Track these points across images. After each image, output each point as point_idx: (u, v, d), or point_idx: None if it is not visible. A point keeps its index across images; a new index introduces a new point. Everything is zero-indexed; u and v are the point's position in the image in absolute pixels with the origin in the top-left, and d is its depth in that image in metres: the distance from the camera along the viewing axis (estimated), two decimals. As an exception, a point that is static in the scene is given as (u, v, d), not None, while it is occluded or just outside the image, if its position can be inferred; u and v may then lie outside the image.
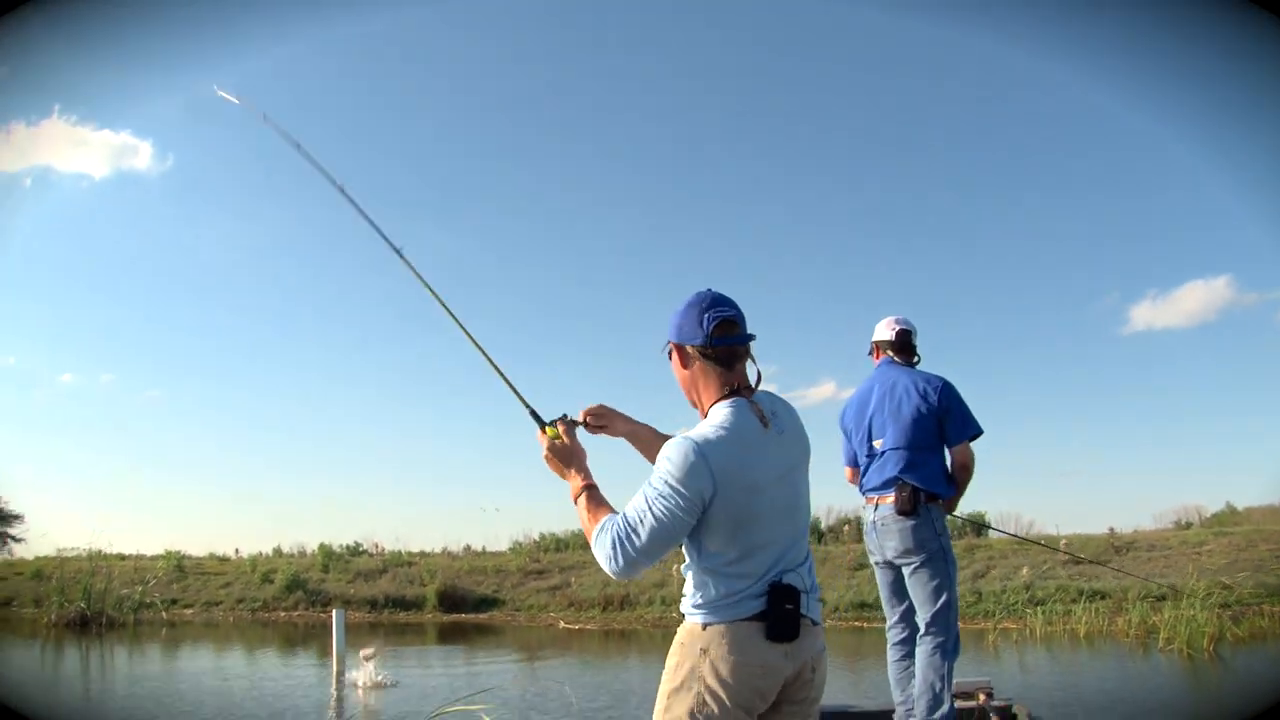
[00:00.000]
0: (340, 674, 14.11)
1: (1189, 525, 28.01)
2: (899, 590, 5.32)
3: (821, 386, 35.78)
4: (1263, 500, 27.50)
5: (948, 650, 5.05)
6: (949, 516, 5.38)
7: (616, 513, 2.73)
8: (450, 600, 27.16)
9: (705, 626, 2.70)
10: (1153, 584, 19.24)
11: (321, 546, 33.29)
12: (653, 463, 3.14)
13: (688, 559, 2.77)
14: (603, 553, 2.67)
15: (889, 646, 5.42)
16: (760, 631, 2.67)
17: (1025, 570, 21.60)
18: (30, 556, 38.13)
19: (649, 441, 3.18)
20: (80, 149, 38.99)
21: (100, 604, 26.25)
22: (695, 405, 2.91)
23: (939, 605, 5.08)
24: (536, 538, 34.87)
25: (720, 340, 2.81)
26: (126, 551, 35.87)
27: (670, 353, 2.93)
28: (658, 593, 24.79)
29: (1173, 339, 34.52)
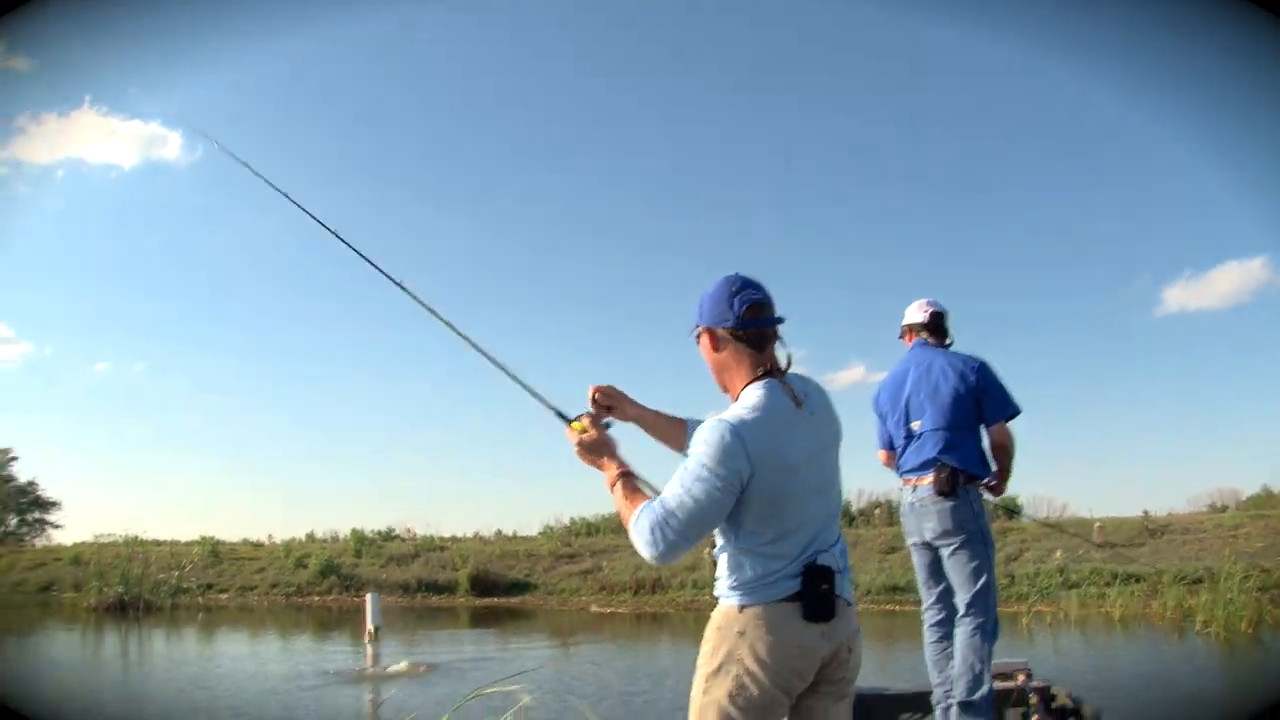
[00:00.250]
0: (376, 656, 14.22)
1: (1224, 508, 27.79)
2: (936, 572, 5.30)
3: (850, 370, 35.72)
4: (1300, 483, 27.23)
5: (987, 631, 5.03)
6: (999, 499, 5.36)
7: (653, 498, 2.73)
8: (482, 584, 27.29)
9: (742, 608, 2.69)
10: (1188, 567, 19.11)
11: (354, 532, 33.53)
12: (667, 445, 3.18)
13: (721, 541, 2.76)
14: (642, 538, 2.65)
15: (926, 628, 5.39)
16: (797, 612, 2.67)
17: (1059, 553, 21.46)
18: (68, 542, 38.77)
19: (657, 426, 3.19)
20: (110, 139, 39.44)
21: (138, 589, 26.57)
22: (725, 389, 2.91)
23: (978, 587, 5.06)
24: (567, 522, 34.99)
25: (751, 323, 2.81)
26: (162, 538, 36.28)
27: (698, 336, 2.92)
28: (689, 576, 24.81)
29: (1207, 321, 34.23)
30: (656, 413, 3.20)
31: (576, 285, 47.75)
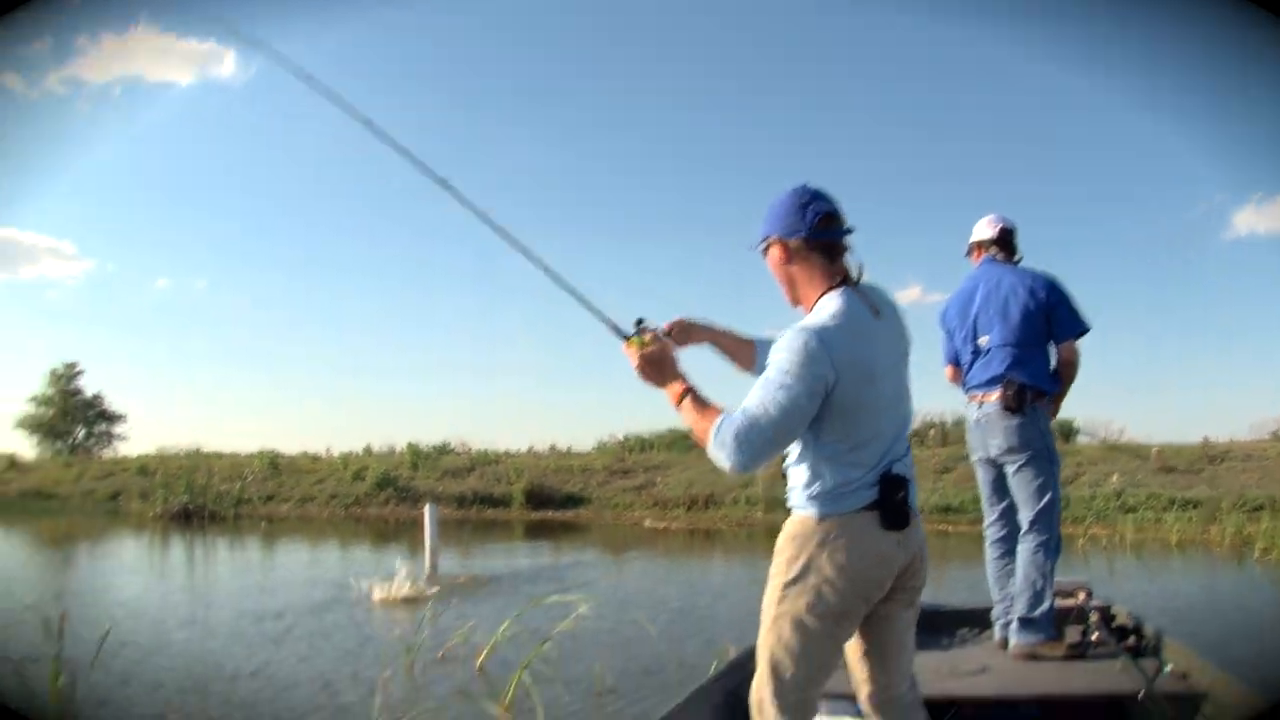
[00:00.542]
0: (434, 566, 14.46)
1: (1288, 436, 27.27)
2: (1000, 488, 5.25)
3: (908, 290, 35.29)
4: (1367, 411, 26.67)
5: (1050, 549, 4.99)
6: (1070, 413, 5.31)
7: (725, 410, 2.70)
8: (537, 498, 27.62)
9: (821, 519, 2.68)
10: (1249, 494, 18.89)
11: (410, 445, 33.94)
12: (736, 365, 3.15)
13: (798, 451, 2.73)
14: (723, 450, 2.60)
15: (987, 545, 5.36)
16: (875, 521, 2.66)
17: (1115, 477, 21.29)
18: (134, 454, 39.69)
19: (727, 346, 3.17)
20: (166, 57, 39.53)
21: (202, 499, 27.24)
22: (795, 302, 2.86)
23: (1043, 504, 5.01)
24: (621, 437, 35.20)
25: (824, 233, 2.77)
26: (223, 450, 37.01)
27: (766, 249, 2.88)
28: (743, 493, 24.94)
29: (1277, 245, 33.27)
30: (726, 332, 3.18)
31: (639, 204, 47.54)
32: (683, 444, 33.67)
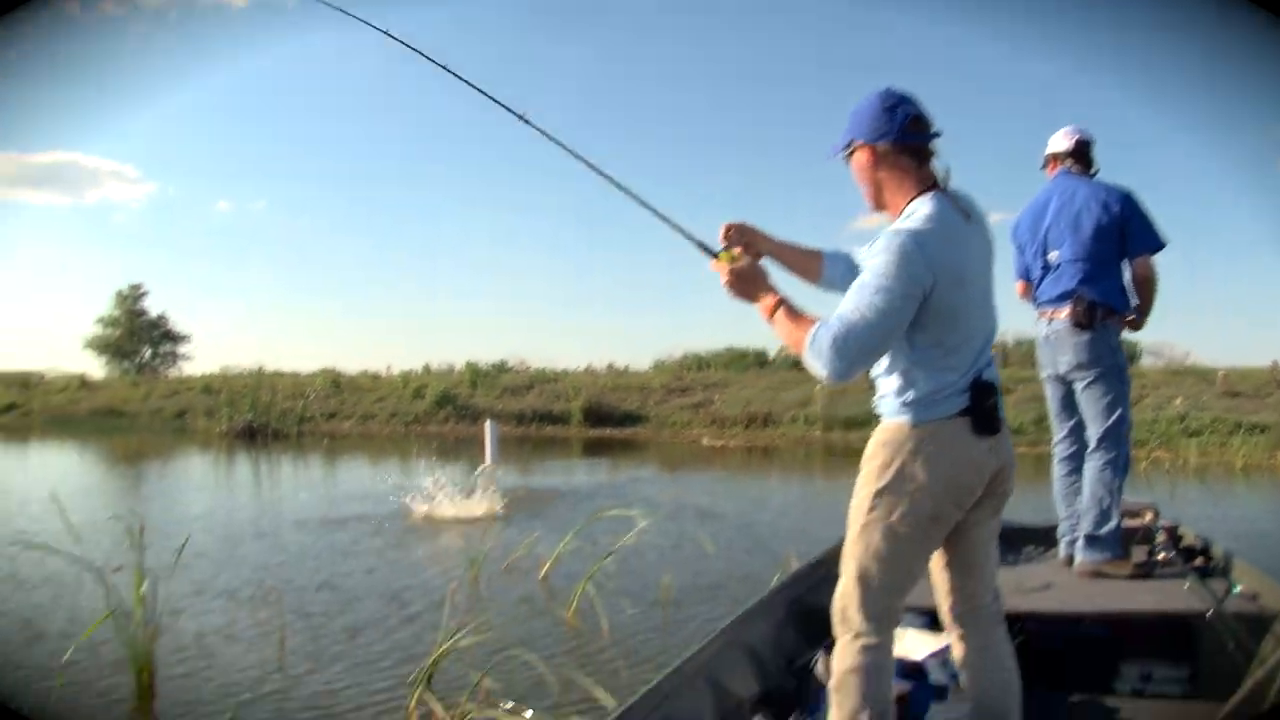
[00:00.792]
0: (495, 481, 14.62)
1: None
2: (1069, 405, 5.17)
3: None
4: None
5: (1118, 466, 4.92)
6: (1136, 334, 5.19)
7: (819, 320, 2.67)
8: (595, 416, 27.83)
9: (915, 425, 2.66)
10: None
11: (469, 364, 34.28)
12: (804, 279, 3.09)
13: (890, 358, 2.69)
14: (819, 358, 2.55)
15: (1055, 462, 5.30)
16: (967, 427, 2.64)
17: (1179, 400, 20.98)
18: (198, 373, 40.49)
19: (793, 259, 3.09)
20: (221, -28, 39.36)
21: (265, 417, 27.74)
22: (881, 208, 2.80)
23: (1111, 421, 4.93)
24: (679, 356, 35.27)
25: (913, 136, 2.70)
26: (285, 370, 37.63)
27: (850, 154, 2.81)
28: (801, 411, 24.95)
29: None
30: (791, 245, 3.10)
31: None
32: (740, 362, 33.72)
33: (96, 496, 13.75)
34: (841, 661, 2.74)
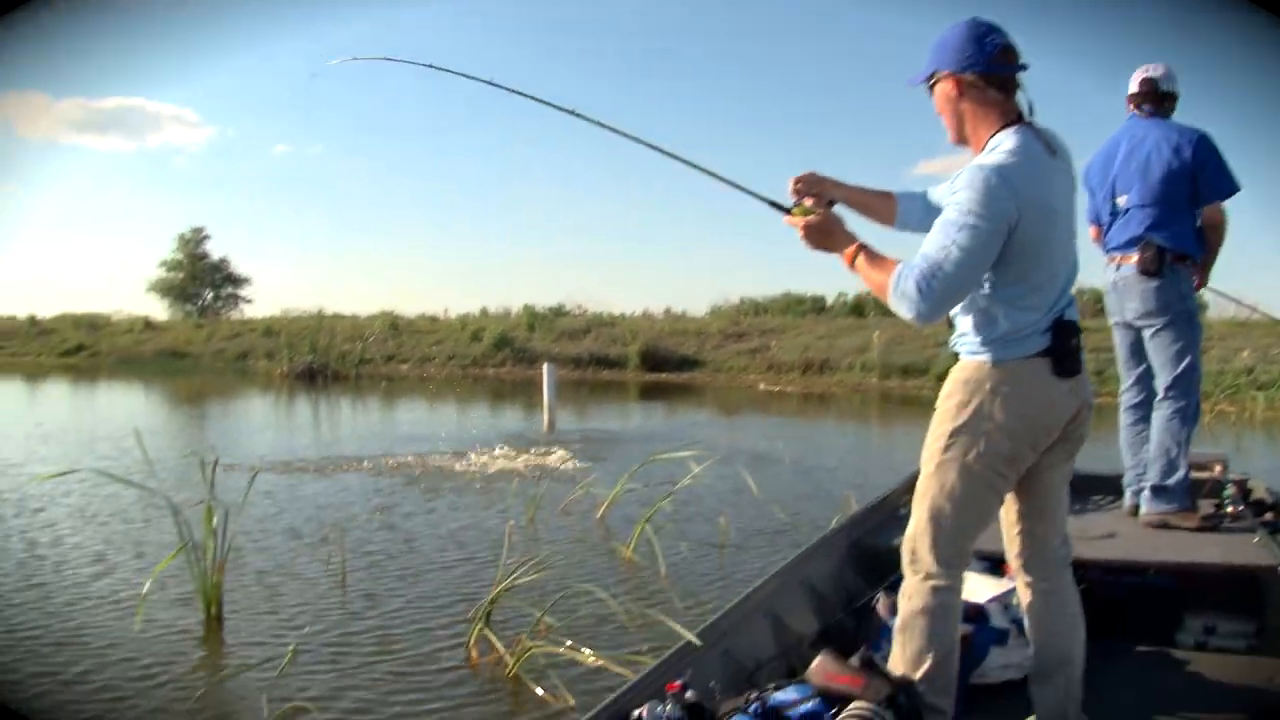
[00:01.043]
0: (552, 423, 14.74)
1: None
2: (1137, 353, 5.05)
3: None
4: None
5: (1187, 416, 4.81)
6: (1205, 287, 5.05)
7: (901, 261, 2.61)
8: (652, 360, 27.86)
9: (995, 364, 2.62)
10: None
11: (526, 307, 34.42)
12: (879, 222, 3.04)
13: (971, 296, 2.63)
14: (905, 299, 2.51)
15: (1122, 410, 5.20)
16: (1048, 367, 2.60)
17: (1246, 353, 20.52)
18: (259, 316, 40.99)
19: (866, 203, 3.03)
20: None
21: (325, 358, 28.07)
22: (962, 141, 2.74)
23: (1180, 369, 4.81)
24: (736, 301, 35.15)
25: (1002, 67, 2.64)
26: (344, 312, 37.98)
27: (933, 85, 2.74)
28: (858, 358, 24.79)
29: None
30: (862, 189, 3.04)
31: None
32: (798, 308, 33.55)
33: (164, 435, 14.03)
34: (910, 601, 2.74)
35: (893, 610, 3.11)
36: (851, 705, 2.35)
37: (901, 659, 2.72)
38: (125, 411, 18.20)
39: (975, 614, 3.52)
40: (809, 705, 2.45)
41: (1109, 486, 5.42)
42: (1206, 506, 4.83)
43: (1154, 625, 4.08)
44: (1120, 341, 5.13)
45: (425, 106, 59.78)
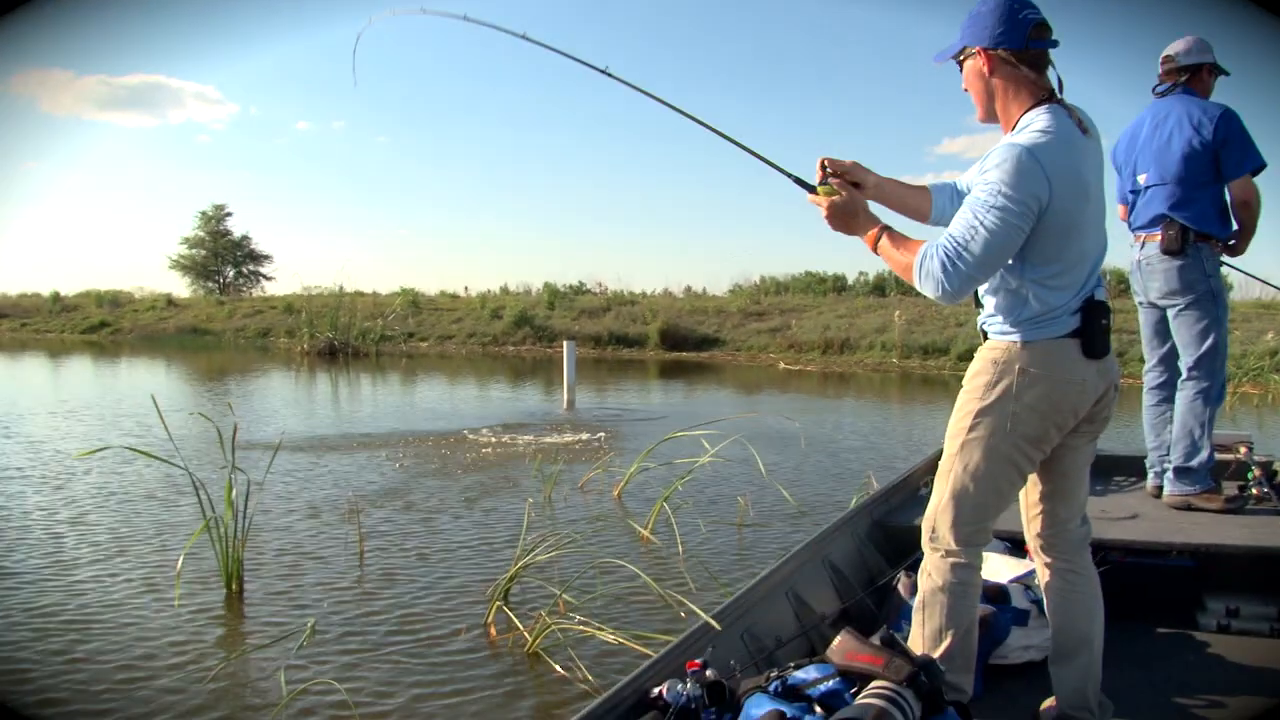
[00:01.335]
0: (571, 401, 14.76)
1: None
2: (1161, 332, 5.01)
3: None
4: None
5: (1211, 396, 4.76)
6: (1234, 260, 4.99)
7: (927, 241, 2.59)
8: (672, 339, 27.85)
9: (1025, 344, 2.60)
10: None
11: (546, 285, 34.45)
12: (911, 216, 3.00)
13: (1000, 276, 2.61)
14: (931, 279, 2.50)
15: (1145, 390, 5.16)
16: (1077, 348, 2.58)
17: (1270, 335, 20.35)
18: (280, 293, 41.14)
19: (898, 195, 2.99)
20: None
21: (346, 336, 28.15)
22: (991, 118, 2.70)
23: (1204, 349, 4.76)
24: (757, 280, 35.08)
25: (1036, 43, 2.60)
26: (365, 289, 38.09)
27: (963, 61, 2.70)
28: (878, 338, 24.72)
29: None
30: (895, 181, 3.00)
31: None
32: (819, 287, 33.45)
33: (186, 413, 14.10)
34: (930, 579, 2.74)
35: (913, 590, 3.10)
36: (872, 684, 2.34)
37: (921, 636, 2.72)
38: (148, 388, 18.26)
39: (997, 594, 3.51)
40: (829, 684, 2.44)
41: (1132, 467, 5.39)
42: (1230, 488, 4.79)
43: (1176, 607, 4.06)
44: (1145, 321, 5.09)
45: (448, 84, 59.71)
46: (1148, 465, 5.08)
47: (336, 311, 29.76)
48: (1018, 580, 3.60)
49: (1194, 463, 4.72)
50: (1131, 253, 4.98)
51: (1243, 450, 5.32)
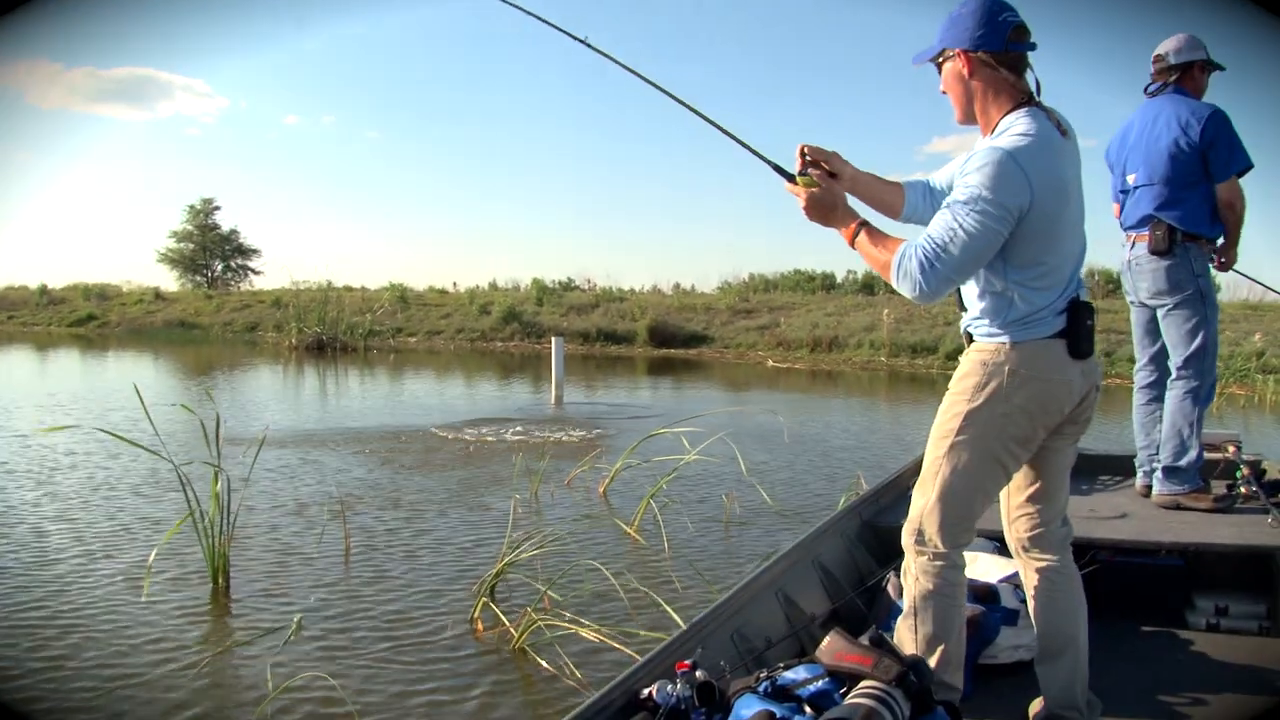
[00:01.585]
0: (559, 397, 14.75)
1: None
2: (1152, 331, 5.01)
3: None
4: None
5: (1199, 397, 4.76)
6: (1230, 270, 5.00)
7: (905, 241, 2.58)
8: (660, 336, 27.84)
9: (1013, 345, 2.60)
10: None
11: (535, 281, 34.39)
12: (883, 212, 2.98)
13: (986, 278, 2.61)
14: (909, 279, 2.50)
15: (1136, 390, 5.16)
16: (1063, 349, 2.59)
17: (1257, 336, 20.43)
18: (268, 287, 41.02)
19: (873, 189, 2.98)
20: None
21: (333, 330, 28.08)
22: (970, 121, 2.70)
23: (1193, 348, 4.76)
24: (746, 277, 35.09)
25: (1016, 45, 2.60)
26: (353, 284, 37.99)
27: (944, 63, 2.69)
28: (866, 336, 24.75)
29: None
30: (871, 175, 3.00)
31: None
32: (807, 285, 33.48)
33: (173, 406, 14.04)
34: (918, 582, 2.73)
35: (902, 591, 3.09)
36: (861, 684, 2.33)
37: (911, 639, 2.72)
38: (136, 382, 18.15)
39: (986, 594, 3.50)
40: (819, 684, 2.43)
41: (1121, 467, 5.39)
42: (1219, 487, 4.80)
43: (1165, 606, 4.06)
44: (1136, 320, 5.10)
45: (438, 77, 59.63)
46: (1137, 464, 5.09)
47: (325, 306, 29.66)
48: (1007, 580, 3.59)
49: (1183, 462, 4.72)
50: (1122, 252, 4.98)
51: (1231, 449, 5.33)
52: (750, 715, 2.35)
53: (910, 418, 13.84)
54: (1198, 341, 4.77)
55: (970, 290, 2.67)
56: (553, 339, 15.89)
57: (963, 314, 2.77)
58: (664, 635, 3.26)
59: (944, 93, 2.73)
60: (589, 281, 35.69)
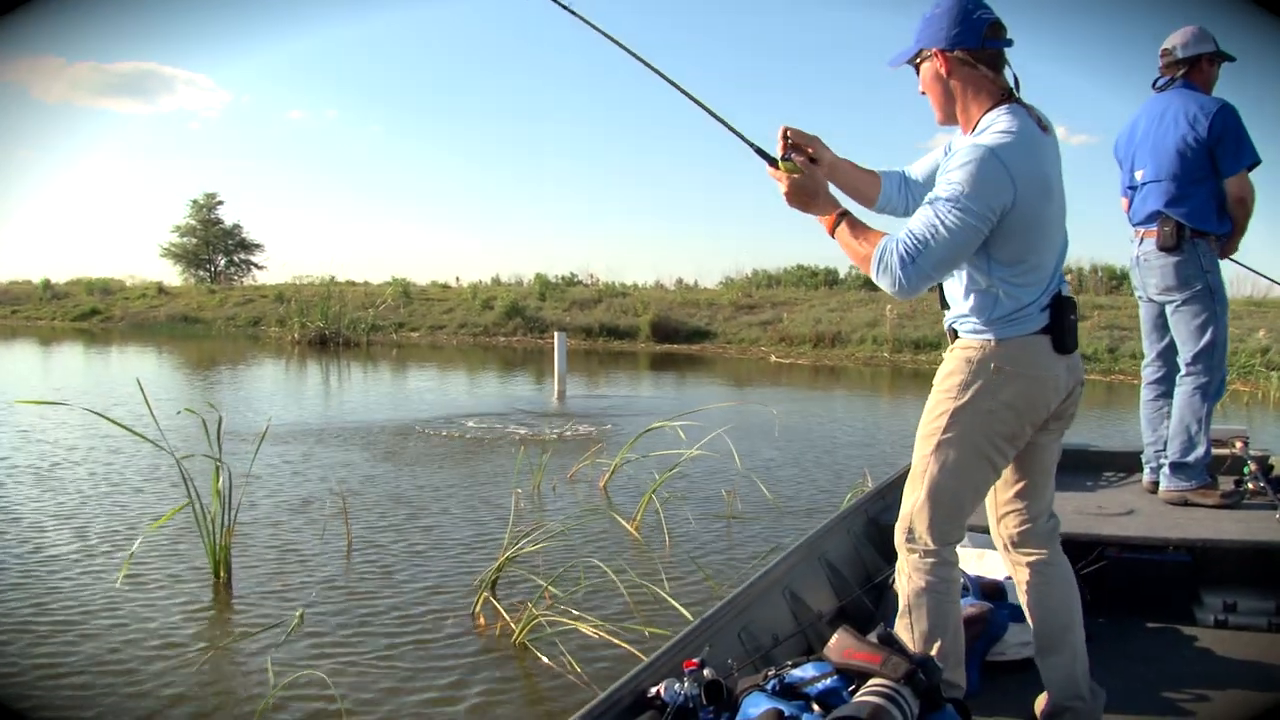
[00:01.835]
0: (562, 392, 14.74)
1: None
2: (1160, 327, 4.98)
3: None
4: None
5: (1208, 393, 4.73)
6: (1231, 260, 4.96)
7: (885, 234, 2.57)
8: (663, 331, 27.81)
9: (997, 342, 2.60)
10: None
11: (538, 276, 34.37)
12: (860, 201, 2.97)
13: (969, 275, 2.61)
14: (888, 274, 2.51)
15: (1143, 385, 5.13)
16: (1048, 345, 2.60)
17: (1262, 333, 20.37)
18: (271, 282, 41.03)
19: (852, 177, 2.96)
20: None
21: (336, 325, 28.07)
22: (950, 121, 2.69)
23: (1202, 344, 4.73)
24: (749, 273, 35.07)
25: (993, 42, 2.59)
26: (356, 279, 37.98)
27: (920, 63, 2.68)
28: (869, 332, 24.72)
29: None
30: (849, 162, 2.98)
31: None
32: (810, 281, 33.45)
33: (176, 402, 14.04)
34: (911, 581, 2.73)
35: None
36: (870, 681, 2.31)
37: (910, 639, 2.70)
38: (140, 377, 18.15)
39: (993, 591, 3.49)
40: (827, 682, 2.41)
41: (1125, 462, 5.37)
42: (1227, 483, 4.77)
43: (1173, 602, 4.04)
44: (1144, 316, 5.07)
45: (441, 72, 59.63)
46: (1144, 460, 5.06)
47: (327, 301, 29.64)
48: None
49: (1190, 458, 4.69)
50: (1130, 248, 4.95)
51: (1239, 445, 5.29)
52: (758, 713, 2.33)
53: (915, 414, 13.69)
54: (1207, 337, 4.73)
55: (954, 287, 2.67)
56: (555, 334, 15.88)
57: (945, 311, 2.77)
58: (665, 631, 3.25)
59: (923, 94, 2.72)
60: (592, 277, 35.69)
